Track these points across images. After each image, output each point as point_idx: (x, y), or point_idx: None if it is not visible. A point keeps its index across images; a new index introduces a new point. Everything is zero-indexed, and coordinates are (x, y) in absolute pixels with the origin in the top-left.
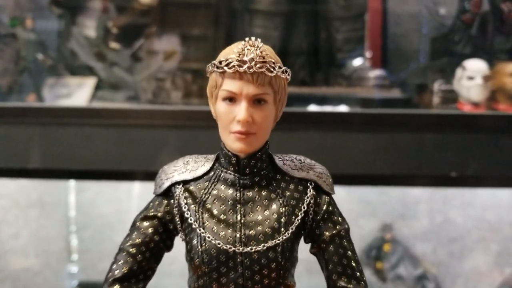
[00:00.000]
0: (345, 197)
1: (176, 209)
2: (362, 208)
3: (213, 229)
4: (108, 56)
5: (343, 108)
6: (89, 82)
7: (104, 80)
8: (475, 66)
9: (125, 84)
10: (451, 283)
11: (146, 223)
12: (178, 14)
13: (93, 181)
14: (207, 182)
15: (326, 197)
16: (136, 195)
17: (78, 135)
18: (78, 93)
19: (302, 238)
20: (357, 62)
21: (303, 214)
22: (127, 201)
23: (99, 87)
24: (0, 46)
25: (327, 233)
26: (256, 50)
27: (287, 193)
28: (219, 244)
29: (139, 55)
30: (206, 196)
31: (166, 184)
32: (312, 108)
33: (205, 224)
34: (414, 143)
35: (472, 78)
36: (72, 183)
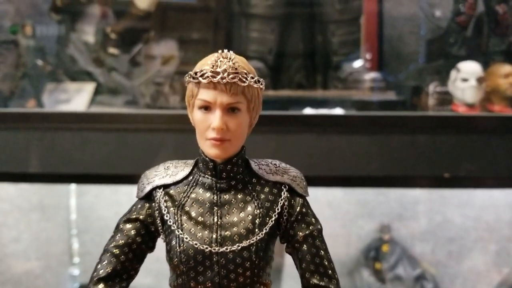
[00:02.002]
0: (343, 198)
1: (157, 212)
2: (360, 209)
3: (191, 230)
4: (107, 61)
5: (339, 111)
6: (88, 87)
7: (103, 85)
8: (469, 68)
9: (123, 89)
10: (450, 283)
11: (129, 226)
12: (176, 18)
13: (93, 185)
14: (186, 186)
15: (300, 199)
16: (135, 198)
17: (77, 139)
18: (77, 98)
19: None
20: (353, 65)
21: (277, 216)
22: (126, 204)
23: (98, 92)
24: (1, 52)
25: (300, 233)
26: (229, 61)
27: (262, 196)
28: (196, 244)
29: (137, 60)
30: (185, 199)
31: (148, 188)
32: (308, 111)
33: (184, 226)
34: (410, 145)
35: (466, 80)
36: (72, 186)
